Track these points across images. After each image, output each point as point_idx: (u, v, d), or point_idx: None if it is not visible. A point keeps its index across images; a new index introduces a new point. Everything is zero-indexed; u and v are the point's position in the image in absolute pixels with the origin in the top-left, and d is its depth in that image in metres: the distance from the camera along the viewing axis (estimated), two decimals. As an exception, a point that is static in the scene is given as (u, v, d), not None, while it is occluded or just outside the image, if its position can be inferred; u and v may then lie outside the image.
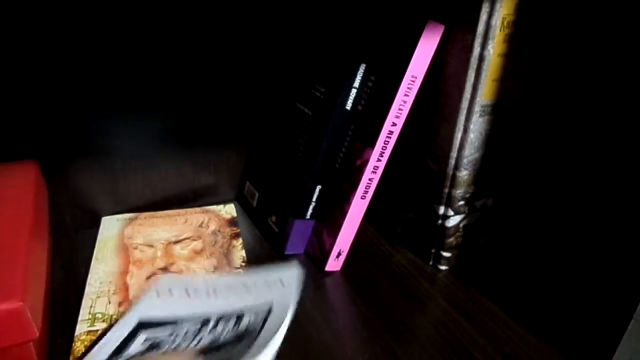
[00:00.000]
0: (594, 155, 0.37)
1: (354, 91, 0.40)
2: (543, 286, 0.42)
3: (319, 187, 0.42)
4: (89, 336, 0.33)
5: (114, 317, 0.35)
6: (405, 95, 0.37)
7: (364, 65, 0.39)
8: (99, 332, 0.34)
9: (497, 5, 0.33)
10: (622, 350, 0.32)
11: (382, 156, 0.39)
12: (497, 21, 0.34)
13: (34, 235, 0.32)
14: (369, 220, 0.51)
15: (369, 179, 0.40)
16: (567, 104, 0.40)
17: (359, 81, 0.39)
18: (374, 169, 0.39)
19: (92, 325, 0.34)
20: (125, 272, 0.40)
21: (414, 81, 0.37)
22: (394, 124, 0.38)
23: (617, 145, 0.35)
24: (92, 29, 0.41)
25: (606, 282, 0.37)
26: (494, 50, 0.35)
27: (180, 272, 0.40)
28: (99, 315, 0.35)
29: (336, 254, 0.43)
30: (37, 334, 0.27)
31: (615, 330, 0.33)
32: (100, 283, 0.39)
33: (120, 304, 0.36)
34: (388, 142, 0.39)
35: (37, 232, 0.33)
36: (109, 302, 0.37)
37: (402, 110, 0.38)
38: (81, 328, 0.34)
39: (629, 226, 0.33)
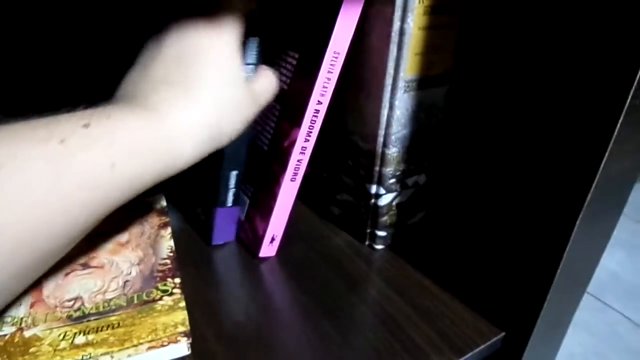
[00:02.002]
0: (524, 126, 0.38)
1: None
2: (478, 260, 0.43)
3: (234, 172, 0.41)
4: (-4, 342, 0.31)
5: (25, 319, 0.33)
6: (329, 72, 0.36)
7: (257, 39, 0.37)
8: (6, 337, 0.31)
9: (415, -24, 0.32)
10: (543, 317, 0.33)
11: (309, 136, 0.38)
12: (415, -7, 0.33)
13: None
14: (305, 202, 0.50)
15: (298, 160, 0.38)
16: (496, 76, 0.40)
17: (254, 57, 0.37)
18: (302, 149, 0.38)
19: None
20: (40, 271, 0.37)
21: (336, 57, 0.36)
22: (320, 102, 0.37)
23: (548, 117, 0.35)
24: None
25: (533, 253, 0.38)
26: (415, 23, 0.34)
27: (102, 266, 0.38)
28: (8, 319, 0.33)
29: (270, 239, 0.41)
30: None
31: (539, 301, 0.34)
32: (12, 283, 0.36)
33: (32, 305, 0.34)
34: (315, 121, 0.37)
35: None
36: (20, 304, 0.34)
37: (326, 87, 0.37)
38: (-12, 333, 0.31)
39: (555, 197, 0.34)
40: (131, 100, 0.27)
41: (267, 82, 0.35)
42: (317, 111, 0.37)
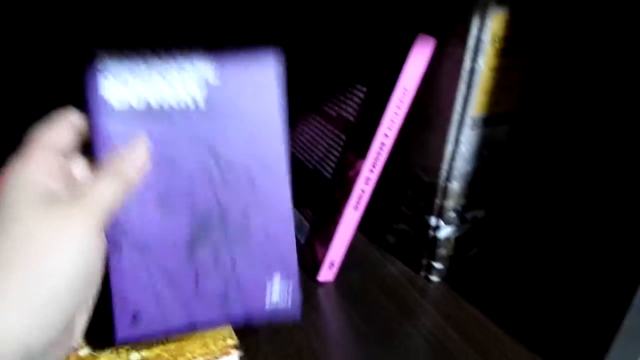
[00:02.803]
0: (584, 166, 0.38)
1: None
2: (534, 298, 0.43)
3: None
4: None
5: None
6: (397, 107, 0.38)
7: None
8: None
9: (488, 21, 0.34)
10: (610, 363, 0.33)
11: (374, 167, 0.39)
12: (487, 36, 0.34)
13: None
14: (361, 229, 0.51)
15: (362, 190, 0.40)
16: (560, 115, 0.41)
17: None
18: (366, 180, 0.40)
19: None
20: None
21: (405, 93, 0.37)
22: (386, 136, 0.38)
23: (608, 157, 0.35)
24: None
25: (595, 294, 0.38)
26: (485, 64, 0.35)
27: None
28: None
29: (329, 264, 0.43)
30: None
31: (605, 344, 0.33)
32: None
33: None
34: (380, 153, 0.39)
35: None
36: None
37: (394, 122, 0.38)
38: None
39: (617, 237, 0.33)
40: None
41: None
42: (383, 144, 0.39)
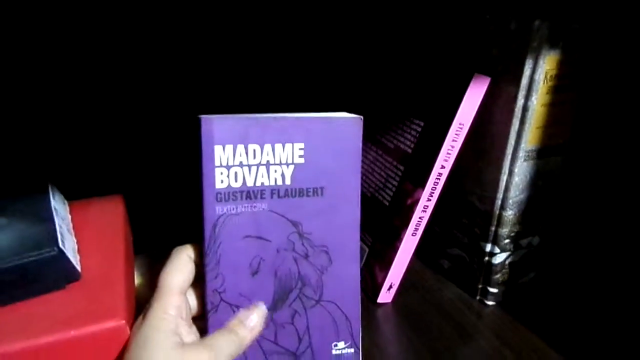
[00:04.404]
0: (636, 193, 0.39)
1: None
2: (587, 322, 0.43)
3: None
4: None
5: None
6: (453, 140, 0.40)
7: None
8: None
9: (541, 61, 0.36)
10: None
11: (431, 196, 0.42)
12: (540, 75, 0.37)
13: (127, 261, 0.37)
14: (417, 254, 0.54)
15: (419, 217, 0.43)
16: (612, 145, 0.42)
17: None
18: (424, 208, 0.42)
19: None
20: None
21: (461, 128, 0.40)
22: (443, 167, 0.41)
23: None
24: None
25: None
26: (538, 101, 0.38)
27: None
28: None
29: (388, 286, 0.45)
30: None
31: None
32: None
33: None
34: (437, 183, 0.42)
35: (129, 257, 0.38)
36: None
37: (450, 154, 0.41)
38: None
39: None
40: None
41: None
42: (440, 174, 0.41)
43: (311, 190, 0.33)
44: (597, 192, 0.43)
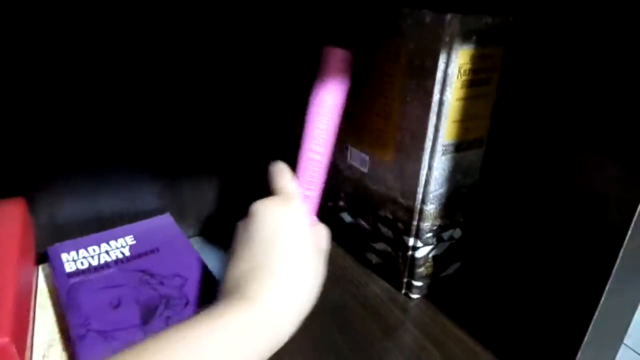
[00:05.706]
0: (556, 183, 0.40)
1: None
2: (510, 312, 0.45)
3: None
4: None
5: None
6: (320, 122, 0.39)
7: None
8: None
9: (453, 56, 0.36)
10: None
11: (310, 187, 0.39)
12: (454, 70, 0.37)
13: (21, 271, 0.34)
14: (346, 249, 0.53)
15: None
16: (532, 137, 0.43)
17: None
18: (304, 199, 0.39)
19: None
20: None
21: (325, 107, 0.38)
22: (315, 151, 0.39)
23: (579, 175, 0.38)
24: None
25: (565, 310, 0.40)
26: (453, 95, 0.38)
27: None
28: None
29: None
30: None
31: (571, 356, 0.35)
32: (49, 331, 0.38)
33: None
34: (314, 171, 0.39)
35: (24, 268, 0.35)
36: (64, 350, 0.37)
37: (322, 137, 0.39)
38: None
39: (590, 249, 0.36)
40: (235, 294, 0.31)
41: (324, 232, 0.39)
42: (313, 160, 0.39)
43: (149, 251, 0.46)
44: (518, 184, 0.44)
